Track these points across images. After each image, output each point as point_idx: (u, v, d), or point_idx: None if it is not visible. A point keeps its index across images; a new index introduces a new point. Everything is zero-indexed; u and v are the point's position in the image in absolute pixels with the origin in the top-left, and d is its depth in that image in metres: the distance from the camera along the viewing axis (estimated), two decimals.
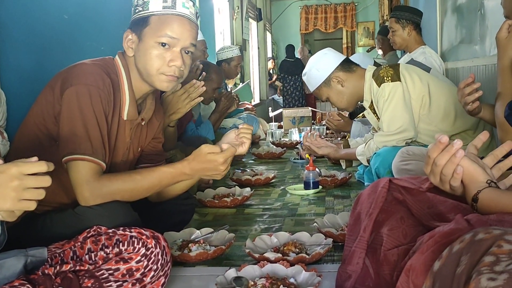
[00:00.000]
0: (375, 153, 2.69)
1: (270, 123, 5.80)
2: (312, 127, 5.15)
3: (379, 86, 2.71)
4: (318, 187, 2.91)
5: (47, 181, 1.09)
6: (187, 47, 1.76)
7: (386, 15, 8.78)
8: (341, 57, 2.94)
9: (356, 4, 12.61)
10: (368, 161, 2.79)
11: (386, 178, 1.46)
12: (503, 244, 0.81)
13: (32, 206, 1.08)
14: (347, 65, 2.91)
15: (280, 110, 6.55)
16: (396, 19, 3.93)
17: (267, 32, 11.69)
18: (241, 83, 6.59)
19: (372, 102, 2.85)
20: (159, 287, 1.47)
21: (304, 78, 3.05)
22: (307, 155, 3.19)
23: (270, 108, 7.90)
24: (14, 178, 1.05)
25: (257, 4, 10.20)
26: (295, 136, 4.96)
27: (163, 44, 1.72)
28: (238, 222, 2.42)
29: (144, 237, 1.47)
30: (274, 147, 4.58)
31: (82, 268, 1.41)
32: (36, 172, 1.07)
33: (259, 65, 10.10)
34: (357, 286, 1.39)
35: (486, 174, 1.22)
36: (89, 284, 1.39)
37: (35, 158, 1.10)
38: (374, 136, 2.78)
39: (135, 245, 1.44)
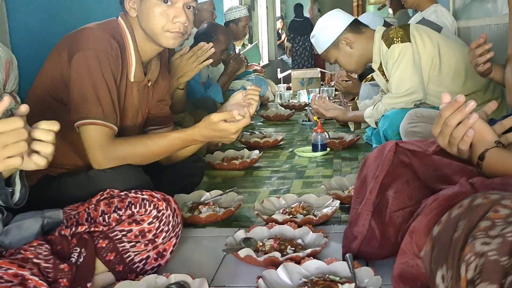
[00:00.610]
0: (383, 115, 2.69)
1: (278, 85, 5.78)
2: (321, 88, 5.13)
3: (388, 48, 2.69)
4: (326, 149, 2.93)
5: (23, 133, 1.04)
6: (189, 2, 1.77)
7: None
8: (349, 18, 2.91)
9: None
10: (376, 123, 2.80)
11: (393, 141, 1.48)
12: (499, 209, 0.82)
13: (17, 162, 1.05)
14: (356, 26, 2.89)
15: (289, 71, 6.52)
16: None
17: None
18: (249, 44, 6.55)
19: (381, 63, 2.83)
20: (171, 247, 1.52)
21: (312, 40, 3.02)
22: (315, 118, 3.21)
23: (278, 70, 7.87)
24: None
25: None
26: (303, 97, 4.96)
27: (165, 1, 1.73)
28: (247, 184, 2.46)
29: (155, 199, 1.50)
30: (283, 109, 4.59)
31: (96, 229, 1.45)
32: (14, 128, 1.04)
33: (267, 25, 10.00)
34: (363, 247, 1.43)
35: (495, 135, 1.23)
36: (104, 245, 1.44)
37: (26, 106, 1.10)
38: (382, 98, 2.78)
39: (147, 207, 1.48)
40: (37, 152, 1.10)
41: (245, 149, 2.92)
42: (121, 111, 1.81)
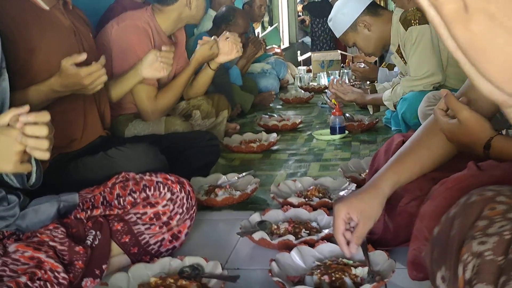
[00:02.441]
0: (402, 97, 2.67)
1: (298, 67, 5.74)
2: (341, 70, 5.09)
3: (406, 30, 2.66)
4: (345, 132, 2.92)
5: (43, 130, 1.09)
6: None
7: None
8: (367, 1, 2.87)
9: None
10: (395, 106, 2.77)
11: (400, 134, 1.48)
12: (496, 206, 0.80)
13: (28, 168, 1.13)
14: (373, 8, 2.85)
15: (309, 53, 6.47)
16: None
17: None
18: (269, 27, 6.51)
19: (399, 46, 2.80)
20: (186, 229, 1.54)
21: (330, 24, 3.00)
22: (333, 100, 3.19)
23: (298, 52, 7.81)
24: (17, 142, 1.07)
25: None
26: (323, 80, 4.92)
27: None
28: (264, 167, 2.46)
29: (169, 182, 1.52)
30: (302, 91, 4.56)
31: (111, 212, 1.48)
32: (38, 128, 1.09)
33: (288, 7, 9.92)
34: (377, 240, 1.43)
35: (489, 122, 1.21)
36: (119, 227, 1.46)
37: (27, 108, 1.10)
38: (401, 81, 2.75)
39: (161, 190, 1.50)
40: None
41: (263, 132, 2.91)
42: None
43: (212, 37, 2.52)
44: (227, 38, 2.50)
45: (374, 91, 3.18)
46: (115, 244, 1.46)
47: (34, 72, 1.67)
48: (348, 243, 1.27)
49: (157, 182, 1.51)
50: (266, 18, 7.32)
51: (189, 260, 1.41)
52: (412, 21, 2.63)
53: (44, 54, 1.69)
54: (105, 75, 1.68)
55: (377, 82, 3.43)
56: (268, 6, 7.48)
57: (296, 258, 1.39)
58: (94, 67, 1.64)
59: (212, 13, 4.18)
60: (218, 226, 1.80)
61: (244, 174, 2.11)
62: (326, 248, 1.43)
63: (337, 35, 2.94)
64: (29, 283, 1.14)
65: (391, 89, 2.84)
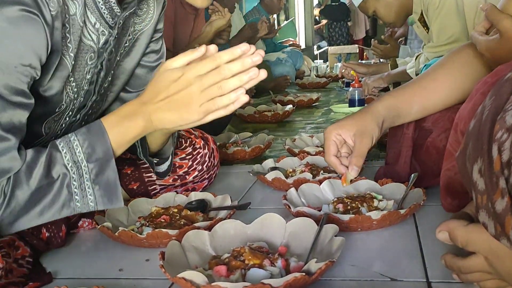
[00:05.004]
0: (425, 64, 2.53)
1: (315, 61, 5.63)
2: (359, 61, 4.96)
3: None
4: (364, 105, 2.78)
5: (226, 70, 0.88)
6: None
7: None
8: None
9: None
10: (417, 74, 2.64)
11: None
12: None
13: (224, 101, 0.89)
14: None
15: (326, 47, 6.36)
16: None
17: None
18: (285, 21, 6.42)
19: (421, 14, 2.67)
20: (201, 189, 1.41)
21: None
22: (352, 72, 3.05)
23: (315, 47, 7.70)
24: (195, 86, 0.89)
25: None
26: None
27: None
28: (279, 133, 2.33)
29: (192, 136, 1.40)
30: (319, 78, 4.44)
31: (123, 156, 1.35)
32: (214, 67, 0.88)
33: (304, 10, 9.85)
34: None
35: None
36: (129, 172, 1.34)
37: (203, 48, 0.91)
38: (424, 48, 2.62)
39: (182, 143, 1.38)
40: None
41: (278, 104, 2.79)
42: None
43: (225, 9, 2.44)
44: None
45: (394, 65, 3.05)
46: (121, 188, 1.34)
47: None
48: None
49: (179, 135, 1.39)
50: (282, 17, 7.23)
51: (195, 196, 1.28)
52: None
53: None
54: None
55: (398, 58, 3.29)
56: (285, 4, 7.40)
57: (326, 190, 1.26)
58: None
59: None
60: (228, 178, 1.66)
61: (258, 133, 1.99)
62: (363, 185, 1.28)
63: (357, 3, 2.82)
64: None
65: (414, 58, 2.71)
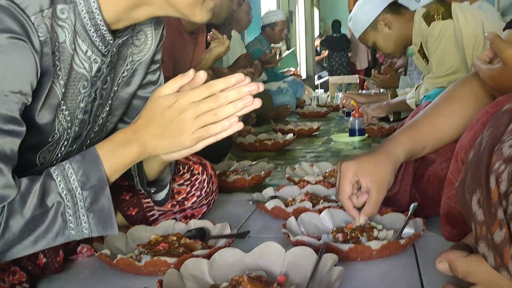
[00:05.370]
0: (425, 95, 2.54)
1: (316, 90, 5.66)
2: (359, 91, 4.99)
3: (428, 25, 2.57)
4: (364, 135, 2.79)
5: (220, 98, 0.89)
6: None
7: None
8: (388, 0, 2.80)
9: None
10: (417, 105, 2.65)
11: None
12: None
13: (216, 129, 0.90)
14: (395, 7, 2.78)
15: (327, 77, 6.41)
16: None
17: (315, 7, 11.49)
18: (286, 51, 6.48)
19: (421, 45, 2.70)
20: (200, 215, 1.40)
21: (349, 24, 2.92)
22: (352, 102, 3.07)
23: (316, 76, 7.75)
24: (185, 109, 0.90)
25: None
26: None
27: None
28: (280, 162, 2.33)
29: (190, 162, 1.40)
30: (319, 108, 4.46)
31: (121, 183, 1.35)
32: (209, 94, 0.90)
33: (305, 40, 9.95)
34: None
35: None
36: (127, 197, 1.34)
37: (192, 72, 0.93)
38: (423, 79, 2.64)
39: (181, 169, 1.38)
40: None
41: (278, 133, 2.80)
42: None
43: (224, 36, 2.47)
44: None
45: (395, 97, 3.07)
46: (120, 214, 1.34)
47: None
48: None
49: (176, 161, 1.39)
50: (283, 47, 7.30)
51: (194, 224, 1.28)
52: (435, 16, 2.55)
53: None
54: None
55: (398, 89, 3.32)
56: (286, 35, 7.47)
57: (326, 220, 1.25)
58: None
59: (234, 34, 4.13)
60: (227, 206, 1.65)
61: (258, 161, 1.99)
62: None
63: (357, 35, 2.86)
64: None
65: (414, 89, 2.73)
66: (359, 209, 1.16)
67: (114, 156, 0.95)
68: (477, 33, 2.53)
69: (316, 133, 3.14)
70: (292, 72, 5.53)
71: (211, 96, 0.90)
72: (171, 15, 1.02)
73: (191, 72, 0.92)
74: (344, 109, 3.73)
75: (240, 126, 0.91)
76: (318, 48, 11.46)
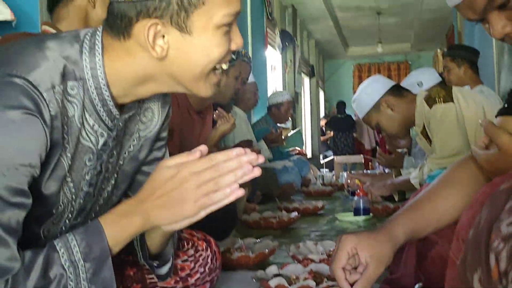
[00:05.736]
0: (429, 175, 2.57)
1: (321, 169, 5.71)
2: (364, 171, 5.03)
3: (430, 108, 2.62)
4: (369, 214, 2.79)
5: (221, 169, 0.93)
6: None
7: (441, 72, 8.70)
8: (390, 82, 2.88)
9: (409, 63, 12.58)
10: (421, 185, 2.67)
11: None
12: None
13: (217, 197, 0.94)
14: (397, 90, 2.85)
15: (332, 156, 6.46)
16: (451, 57, 3.85)
17: (320, 89, 11.76)
18: (292, 130, 6.58)
19: (424, 127, 2.75)
20: None
21: (353, 105, 2.99)
22: (356, 181, 3.09)
23: (321, 156, 7.81)
24: (187, 179, 0.94)
25: (310, 60, 10.34)
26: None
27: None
28: (284, 240, 2.33)
29: (195, 238, 1.42)
30: (324, 187, 4.48)
31: (125, 257, 1.36)
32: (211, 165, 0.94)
33: (311, 120, 10.11)
34: None
35: None
36: (131, 273, 1.34)
37: (198, 153, 0.96)
38: (427, 159, 2.67)
39: (184, 245, 1.40)
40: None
41: (283, 211, 2.80)
42: None
43: (229, 114, 2.55)
44: None
45: (399, 176, 3.09)
46: None
47: None
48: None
49: (180, 237, 1.41)
50: (289, 127, 7.42)
51: None
52: (437, 99, 2.61)
53: None
54: None
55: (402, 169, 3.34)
56: (292, 115, 7.62)
57: None
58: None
59: (238, 111, 4.24)
60: (231, 284, 1.65)
61: (262, 238, 1.99)
62: None
63: (361, 115, 2.92)
64: None
65: (417, 168, 2.75)
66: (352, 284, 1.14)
67: (117, 227, 0.97)
68: (478, 117, 2.58)
69: (321, 211, 3.15)
70: (297, 151, 5.59)
71: (212, 167, 0.93)
72: (176, 90, 1.06)
73: (197, 152, 0.96)
74: (349, 188, 3.75)
75: (241, 192, 0.94)
76: (324, 128, 11.63)
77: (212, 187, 0.93)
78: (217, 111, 2.59)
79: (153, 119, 1.18)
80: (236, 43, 1.04)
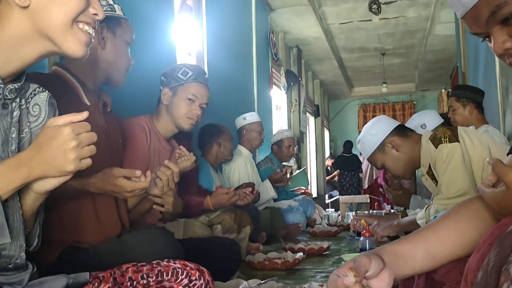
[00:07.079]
0: (435, 216, 2.54)
1: (326, 209, 5.67)
2: (370, 212, 4.99)
3: (436, 148, 2.62)
4: None
5: (94, 136, 1.11)
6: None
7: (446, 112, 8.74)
8: (395, 123, 2.88)
9: (414, 102, 12.65)
10: None
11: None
12: None
13: (89, 163, 1.10)
14: (402, 130, 2.85)
15: (337, 196, 6.43)
16: (456, 97, 3.86)
17: (325, 128, 11.80)
18: (297, 170, 6.58)
19: (429, 167, 2.74)
20: None
21: (358, 146, 2.99)
22: (362, 221, 3.06)
23: (326, 196, 7.78)
24: (71, 139, 1.06)
25: (315, 100, 10.41)
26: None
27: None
28: (289, 281, 2.30)
29: (188, 268, 1.42)
30: (329, 227, 4.45)
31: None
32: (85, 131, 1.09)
33: (316, 159, 10.11)
34: None
35: None
36: None
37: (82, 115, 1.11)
38: (433, 200, 2.65)
39: (179, 275, 1.40)
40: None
41: (288, 251, 2.78)
42: None
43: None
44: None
45: (405, 216, 3.07)
46: None
47: None
48: None
49: (174, 268, 1.41)
50: (294, 166, 7.43)
51: None
52: (442, 139, 2.60)
53: None
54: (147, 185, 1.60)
55: (408, 209, 3.32)
56: (297, 154, 7.62)
57: None
58: (142, 184, 1.56)
59: (243, 150, 4.26)
60: None
61: (267, 280, 1.97)
62: None
63: (366, 156, 2.92)
64: None
65: (424, 209, 2.73)
66: None
67: (6, 178, 1.05)
68: (484, 156, 2.57)
69: (327, 252, 3.12)
70: (302, 191, 5.58)
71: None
72: (52, 49, 1.14)
73: (85, 113, 1.09)
74: (354, 229, 3.72)
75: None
76: (329, 168, 11.62)
77: (88, 152, 1.08)
78: (179, 149, 2.57)
79: (40, 115, 1.27)
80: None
